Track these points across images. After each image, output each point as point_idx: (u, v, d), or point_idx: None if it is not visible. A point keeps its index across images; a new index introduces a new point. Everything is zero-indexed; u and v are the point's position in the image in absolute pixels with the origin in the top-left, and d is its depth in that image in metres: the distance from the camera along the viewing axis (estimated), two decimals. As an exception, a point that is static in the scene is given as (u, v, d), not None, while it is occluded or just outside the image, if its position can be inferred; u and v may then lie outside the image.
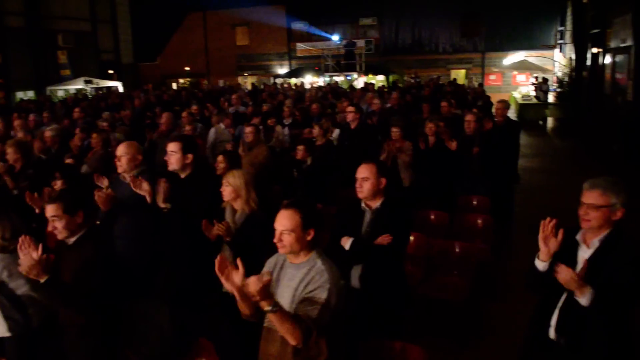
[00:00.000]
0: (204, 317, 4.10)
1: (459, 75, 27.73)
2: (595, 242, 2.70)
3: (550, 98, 21.94)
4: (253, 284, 2.36)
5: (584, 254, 2.74)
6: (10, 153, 5.85)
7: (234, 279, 2.46)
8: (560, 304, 2.75)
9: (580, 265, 2.71)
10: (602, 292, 2.57)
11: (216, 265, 2.48)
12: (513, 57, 27.22)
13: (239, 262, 2.47)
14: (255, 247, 3.77)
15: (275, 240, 2.72)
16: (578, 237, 2.78)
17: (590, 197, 2.67)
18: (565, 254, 2.79)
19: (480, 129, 6.91)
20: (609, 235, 2.68)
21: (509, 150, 7.37)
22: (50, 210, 3.34)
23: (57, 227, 3.33)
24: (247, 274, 2.46)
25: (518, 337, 3.21)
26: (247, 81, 31.06)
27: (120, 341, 3.74)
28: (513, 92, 25.79)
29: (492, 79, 28.55)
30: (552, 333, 2.79)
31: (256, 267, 3.15)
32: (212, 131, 8.54)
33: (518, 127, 7.82)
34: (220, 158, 5.38)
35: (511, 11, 26.90)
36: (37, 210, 4.60)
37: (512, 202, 7.91)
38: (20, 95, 25.00)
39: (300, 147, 6.37)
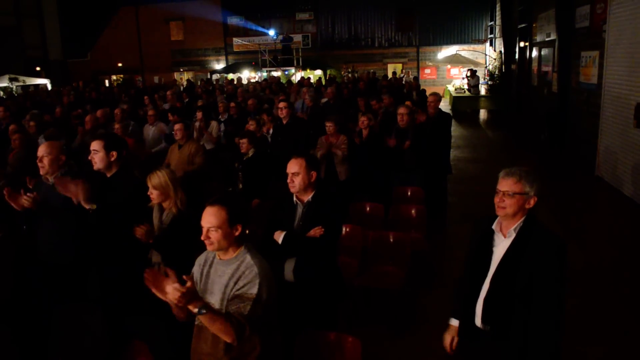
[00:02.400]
0: (137, 318, 4.01)
1: (397, 69, 28.24)
2: (511, 232, 2.79)
3: (482, 91, 22.68)
4: (172, 293, 2.34)
5: (500, 242, 2.84)
6: None
7: (164, 286, 2.41)
8: (483, 293, 2.84)
9: (497, 254, 2.81)
10: (524, 283, 2.67)
11: (146, 278, 2.42)
12: (446, 51, 28.01)
13: (168, 271, 2.43)
14: (183, 247, 3.71)
15: (202, 238, 2.68)
16: (494, 226, 2.88)
17: (506, 184, 2.77)
18: (481, 242, 2.89)
19: (413, 122, 7.06)
20: (524, 224, 2.78)
21: (441, 142, 7.58)
22: None
23: None
24: (177, 275, 2.43)
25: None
26: (184, 77, 30.47)
27: (51, 350, 3.62)
28: (447, 85, 26.50)
29: (427, 73, 29.27)
30: (477, 321, 2.88)
31: (186, 266, 3.11)
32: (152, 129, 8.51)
33: (449, 119, 8.04)
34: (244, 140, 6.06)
35: (444, 7, 27.78)
36: None
37: (445, 192, 8.15)
38: (-63, 94, 23.50)
39: (244, 140, 6.32)
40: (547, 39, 15.13)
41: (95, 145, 4.19)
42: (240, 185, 6.23)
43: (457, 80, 27.29)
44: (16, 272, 3.18)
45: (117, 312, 4.10)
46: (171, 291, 2.35)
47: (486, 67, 26.46)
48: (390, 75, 24.08)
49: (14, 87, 23.45)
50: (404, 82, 19.26)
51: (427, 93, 14.96)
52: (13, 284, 3.14)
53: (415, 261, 5.56)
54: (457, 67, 27.95)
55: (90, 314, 3.93)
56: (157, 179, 3.83)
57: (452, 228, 7.67)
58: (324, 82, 18.72)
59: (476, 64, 25.94)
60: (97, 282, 4.28)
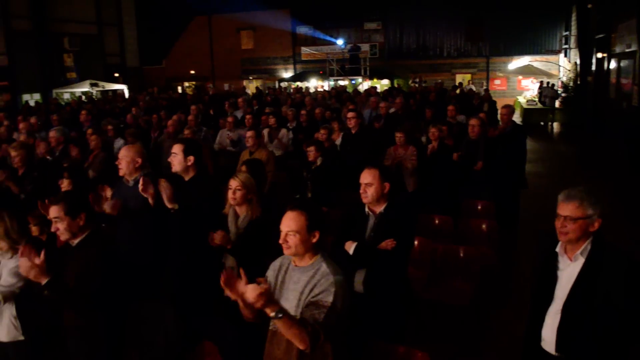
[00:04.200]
0: (208, 319, 4.10)
1: (465, 79, 27.69)
2: (578, 256, 2.67)
3: (556, 103, 21.91)
4: (250, 292, 2.37)
5: (566, 266, 2.72)
6: (14, 156, 5.88)
7: (237, 288, 2.47)
8: (554, 320, 2.73)
9: (564, 279, 2.69)
10: (602, 310, 2.55)
11: (222, 279, 2.48)
12: (518, 62, 27.20)
13: (241, 272, 2.48)
14: (258, 252, 3.78)
15: (280, 241, 2.72)
16: (558, 248, 2.76)
17: (567, 209, 2.64)
18: (545, 265, 2.78)
19: (484, 134, 6.91)
20: (592, 247, 2.65)
21: (515, 156, 7.35)
22: (52, 211, 3.36)
23: (59, 228, 3.34)
24: (251, 279, 2.47)
25: (520, 343, 3.21)
26: (252, 85, 31.13)
27: (124, 343, 3.75)
28: (518, 97, 25.75)
29: (497, 84, 28.54)
30: (546, 346, 2.78)
31: (260, 272, 3.16)
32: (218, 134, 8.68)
33: (524, 133, 7.79)
34: (312, 148, 6.10)
35: (516, 16, 26.85)
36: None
37: (517, 208, 7.88)
38: (26, 97, 25.11)
39: (311, 148, 6.37)
40: (627, 50, 14.44)
41: (175, 148, 4.34)
42: (309, 194, 6.27)
43: (528, 91, 26.47)
44: (101, 267, 3.31)
45: (190, 312, 4.20)
46: (249, 291, 2.38)
47: (560, 78, 25.54)
48: (458, 85, 23.63)
49: (94, 92, 24.69)
50: (472, 93, 18.86)
51: (497, 105, 14.66)
52: (100, 279, 3.27)
53: (483, 277, 5.42)
54: (529, 78, 27.09)
55: (164, 313, 4.05)
56: (246, 178, 3.91)
57: (523, 245, 7.41)
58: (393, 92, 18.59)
59: (549, 75, 25.06)
60: (171, 282, 4.41)
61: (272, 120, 8.93)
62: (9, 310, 3.52)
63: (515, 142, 7.32)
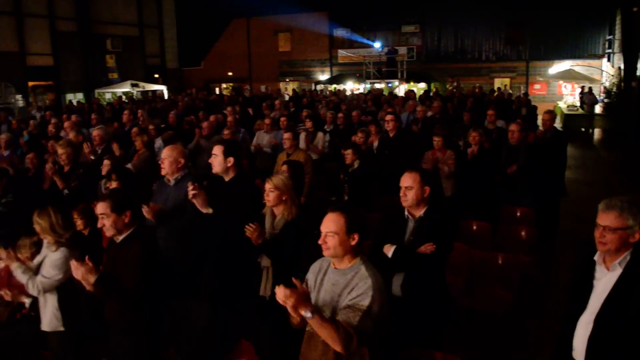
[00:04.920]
0: (245, 318, 4.14)
1: (503, 84, 27.21)
2: (616, 266, 2.60)
3: (597, 109, 21.35)
4: (279, 293, 2.40)
5: (603, 275, 2.66)
6: (62, 153, 6.06)
7: (278, 292, 2.49)
8: (585, 330, 2.66)
9: (600, 288, 2.63)
10: (635, 323, 2.49)
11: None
12: (558, 66, 26.61)
13: (294, 281, 2.52)
14: (293, 252, 3.80)
15: (319, 242, 2.74)
16: (596, 257, 2.69)
17: (606, 219, 2.57)
18: (581, 274, 2.71)
19: (525, 140, 6.79)
20: (632, 257, 2.57)
21: (556, 163, 7.20)
22: (99, 208, 3.46)
23: (105, 224, 3.43)
24: (286, 279, 2.51)
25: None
26: (289, 87, 31.31)
27: (163, 339, 3.82)
28: (558, 102, 25.20)
29: (536, 89, 27.95)
30: (576, 356, 2.72)
31: (295, 272, 3.18)
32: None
33: (566, 139, 7.62)
34: (349, 151, 6.16)
35: (557, 19, 26.25)
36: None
37: (557, 216, 7.72)
38: (70, 97, 25.85)
39: (348, 151, 6.38)
40: (675, 55, 13.97)
41: (215, 149, 4.40)
42: (346, 197, 6.27)
43: (569, 97, 25.87)
44: (144, 264, 3.38)
45: (227, 312, 4.26)
46: (279, 292, 2.41)
47: (602, 84, 24.87)
48: (497, 89, 23.26)
49: (135, 92, 25.25)
50: (511, 97, 18.56)
51: (537, 110, 14.37)
52: (142, 276, 3.34)
53: (521, 285, 5.32)
54: (570, 83, 26.44)
55: (202, 312, 4.11)
56: (279, 180, 3.95)
57: (562, 253, 7.25)
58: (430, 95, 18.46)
59: (591, 80, 24.42)
60: (210, 281, 4.47)
61: (309, 124, 8.95)
62: (52, 302, 3.65)
63: (556, 148, 7.17)
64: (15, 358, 4.32)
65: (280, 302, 2.43)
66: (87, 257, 3.25)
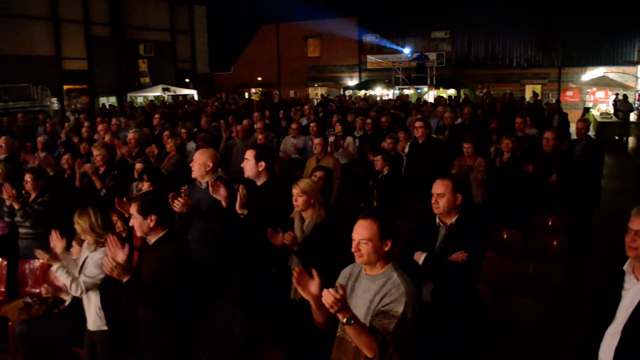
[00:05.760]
0: (273, 322, 4.17)
1: (536, 90, 26.75)
2: None
3: (632, 117, 20.88)
4: (328, 296, 2.40)
5: (632, 285, 2.60)
6: (96, 155, 6.21)
7: (310, 288, 2.52)
8: (612, 341, 2.61)
9: (628, 298, 2.57)
10: None
11: (294, 275, 2.53)
12: (592, 73, 26.11)
13: (314, 272, 2.53)
14: (322, 256, 3.82)
15: (352, 250, 2.74)
16: (625, 266, 2.63)
17: (639, 223, 2.52)
18: (609, 283, 2.66)
19: (559, 148, 6.69)
20: None
21: (591, 172, 7.06)
22: (130, 208, 3.57)
23: (135, 225, 3.52)
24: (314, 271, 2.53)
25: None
26: (317, 92, 31.42)
27: (193, 340, 3.87)
28: (591, 110, 24.72)
29: (569, 96, 27.45)
30: None
31: (325, 276, 3.18)
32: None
33: (601, 149, 7.46)
34: (379, 157, 6.20)
35: (591, 25, 25.71)
36: (126, 214, 4.84)
37: (589, 226, 7.57)
38: (103, 100, 26.42)
39: (378, 158, 6.38)
40: None
41: (247, 154, 4.45)
42: (375, 203, 6.27)
43: (602, 104, 25.34)
44: (175, 267, 3.44)
45: (257, 315, 4.29)
46: (326, 295, 2.40)
47: (637, 91, 24.32)
48: (528, 97, 22.92)
49: (166, 96, 25.67)
50: (540, 103, 18.27)
51: (569, 117, 14.13)
52: (173, 278, 3.40)
53: (552, 296, 5.23)
54: (604, 90, 25.90)
55: (232, 314, 4.15)
56: (306, 185, 3.97)
57: (594, 264, 7.11)
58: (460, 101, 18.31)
59: (626, 87, 23.90)
60: (241, 284, 4.52)
61: (338, 128, 8.98)
62: (95, 301, 3.72)
63: (592, 157, 7.04)
64: (50, 352, 4.44)
65: (327, 305, 2.42)
66: (123, 251, 3.30)
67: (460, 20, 29.05)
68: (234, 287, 4.64)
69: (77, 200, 5.71)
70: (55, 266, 3.72)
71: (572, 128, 13.16)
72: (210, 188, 4.25)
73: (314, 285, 2.53)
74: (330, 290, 2.40)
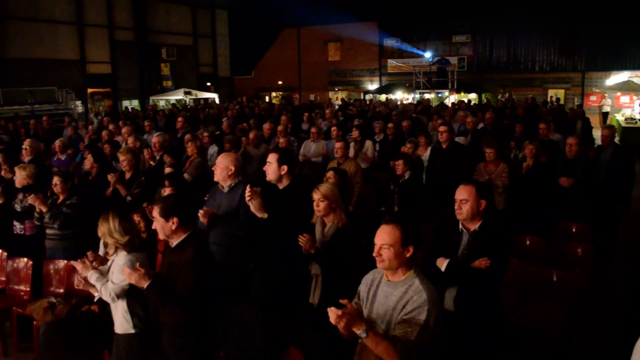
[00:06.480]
0: (294, 325, 4.17)
1: (559, 95, 26.40)
2: None
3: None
4: (331, 315, 2.40)
5: None
6: (122, 161, 6.26)
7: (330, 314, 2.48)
8: None
9: None
10: None
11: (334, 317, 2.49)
12: (616, 77, 25.69)
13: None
14: (344, 260, 3.81)
15: (374, 254, 2.74)
16: None
17: None
18: (636, 292, 2.61)
19: (582, 154, 6.59)
20: None
21: (619, 180, 6.94)
22: (153, 211, 3.62)
23: (157, 227, 3.56)
24: (338, 287, 2.51)
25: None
26: (338, 96, 31.43)
27: (214, 342, 3.89)
28: (616, 115, 24.31)
29: (592, 100, 27.02)
30: None
31: (345, 281, 3.18)
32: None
33: (631, 156, 7.31)
34: (400, 162, 6.19)
35: (615, 28, 25.24)
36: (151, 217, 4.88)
37: (616, 233, 7.43)
38: (125, 103, 26.77)
39: (399, 162, 6.35)
40: None
41: (270, 157, 4.45)
42: (396, 208, 6.25)
43: (627, 109, 24.90)
44: (196, 270, 3.46)
45: (277, 318, 4.30)
46: (330, 314, 2.41)
47: (664, 96, 23.89)
48: (556, 100, 22.59)
49: (187, 100, 25.93)
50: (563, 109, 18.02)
51: (592, 123, 13.88)
52: (194, 281, 3.42)
53: (577, 304, 5.15)
54: (629, 95, 25.46)
55: (253, 317, 4.16)
56: (328, 190, 3.97)
57: (619, 274, 6.97)
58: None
59: (652, 92, 23.51)
60: (262, 288, 4.53)
61: (356, 133, 8.96)
62: (122, 305, 3.75)
63: (620, 165, 6.90)
64: (74, 352, 4.50)
65: (333, 323, 2.42)
66: (137, 264, 3.37)
67: (482, 24, 28.81)
68: (255, 290, 4.65)
69: (105, 203, 5.79)
70: (89, 273, 3.76)
71: (595, 134, 12.97)
72: (247, 195, 4.17)
73: (329, 309, 2.47)
74: (332, 308, 2.39)
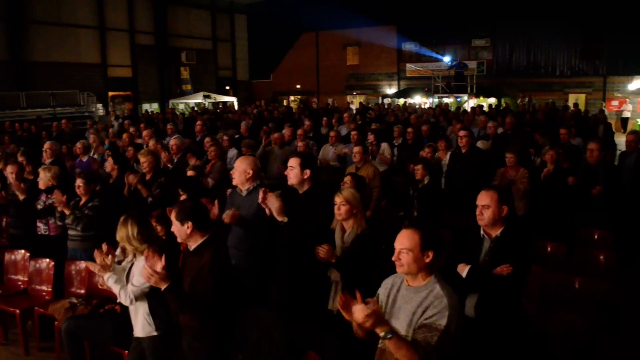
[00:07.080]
0: (314, 330, 4.17)
1: (579, 100, 26.03)
2: None
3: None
4: (359, 313, 2.40)
5: None
6: (143, 162, 6.33)
7: (352, 309, 2.52)
8: None
9: None
10: None
11: (340, 302, 2.54)
12: (639, 82, 25.28)
13: (357, 294, 2.53)
14: (364, 266, 3.80)
15: (393, 258, 2.73)
16: None
17: None
18: None
19: (604, 159, 6.50)
20: None
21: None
22: (171, 214, 3.62)
23: (175, 231, 3.58)
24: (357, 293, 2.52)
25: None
26: (355, 100, 31.41)
27: (233, 346, 3.90)
28: (638, 119, 23.95)
29: (614, 105, 26.60)
30: None
31: (365, 287, 3.15)
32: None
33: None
34: (419, 166, 6.16)
35: (637, 32, 24.86)
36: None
37: (638, 241, 7.31)
38: (146, 107, 27.06)
39: (419, 167, 6.33)
40: None
41: (292, 162, 4.44)
42: (415, 213, 6.21)
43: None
44: (214, 274, 3.47)
45: (296, 323, 4.30)
46: (358, 312, 2.41)
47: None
48: (571, 105, 22.32)
49: (207, 103, 26.12)
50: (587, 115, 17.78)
51: (614, 127, 13.66)
52: (212, 285, 3.43)
53: (599, 312, 5.07)
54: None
55: (273, 322, 4.16)
56: (350, 194, 3.95)
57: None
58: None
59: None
60: (281, 292, 4.53)
61: (371, 137, 8.92)
62: (143, 308, 3.78)
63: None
64: (94, 351, 4.55)
65: (359, 322, 2.43)
66: (161, 263, 3.35)
67: (502, 28, 28.53)
68: (274, 294, 4.65)
69: (126, 205, 5.84)
70: (105, 276, 3.78)
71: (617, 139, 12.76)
72: (260, 196, 4.18)
73: (356, 306, 2.52)
74: (360, 306, 2.40)
